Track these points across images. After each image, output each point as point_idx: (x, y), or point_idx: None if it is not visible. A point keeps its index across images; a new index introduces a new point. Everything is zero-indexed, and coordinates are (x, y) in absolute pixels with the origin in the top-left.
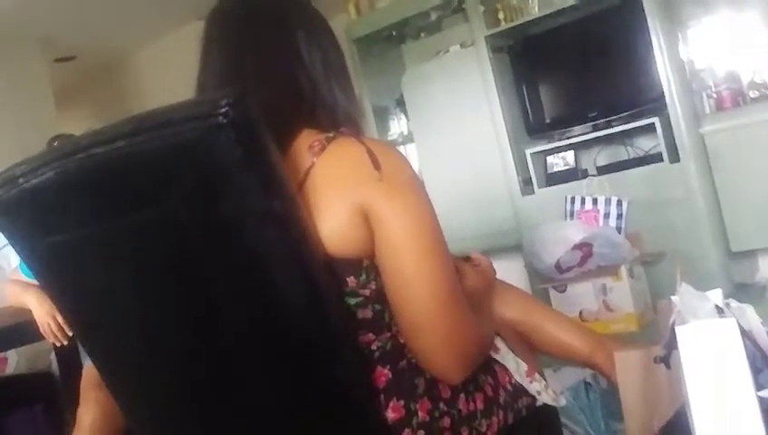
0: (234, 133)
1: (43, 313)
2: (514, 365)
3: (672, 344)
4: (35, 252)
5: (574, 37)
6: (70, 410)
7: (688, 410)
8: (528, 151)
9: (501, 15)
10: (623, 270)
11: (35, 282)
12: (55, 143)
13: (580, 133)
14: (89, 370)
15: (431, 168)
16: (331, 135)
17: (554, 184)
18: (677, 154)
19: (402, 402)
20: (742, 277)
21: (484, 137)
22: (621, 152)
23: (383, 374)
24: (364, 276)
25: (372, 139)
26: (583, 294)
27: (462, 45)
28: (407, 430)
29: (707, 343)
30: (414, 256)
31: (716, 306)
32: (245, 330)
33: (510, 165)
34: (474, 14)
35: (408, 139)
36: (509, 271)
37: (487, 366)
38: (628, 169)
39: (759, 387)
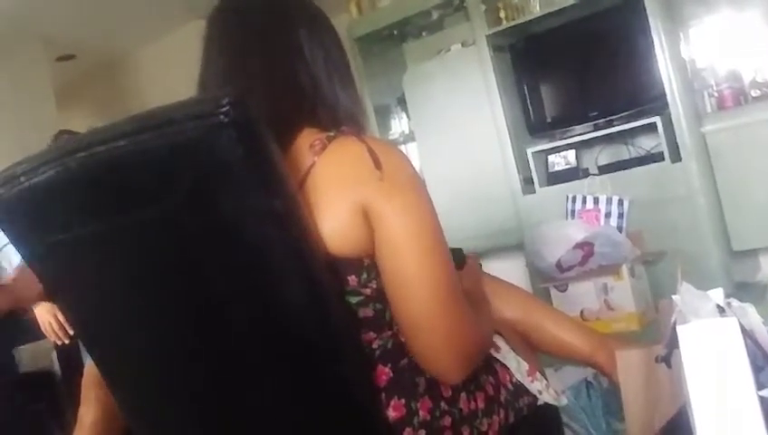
0: (235, 132)
1: (44, 311)
2: (515, 364)
3: (673, 344)
4: (36, 251)
5: (576, 36)
6: (71, 408)
7: (689, 410)
8: (529, 150)
9: (502, 14)
10: (624, 269)
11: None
12: (64, 137)
13: (582, 132)
14: (90, 368)
15: (432, 167)
16: (332, 134)
17: (555, 183)
18: (679, 153)
19: (403, 401)
20: (743, 277)
21: (485, 136)
22: (623, 151)
23: (384, 373)
24: (365, 275)
25: (373, 138)
26: (584, 294)
27: (463, 44)
28: (408, 429)
29: (708, 342)
30: (414, 256)
31: (718, 306)
32: (246, 329)
33: (511, 164)
34: (475, 12)
35: (410, 138)
36: (510, 270)
37: (488, 365)
38: (629, 168)
39: (760, 386)
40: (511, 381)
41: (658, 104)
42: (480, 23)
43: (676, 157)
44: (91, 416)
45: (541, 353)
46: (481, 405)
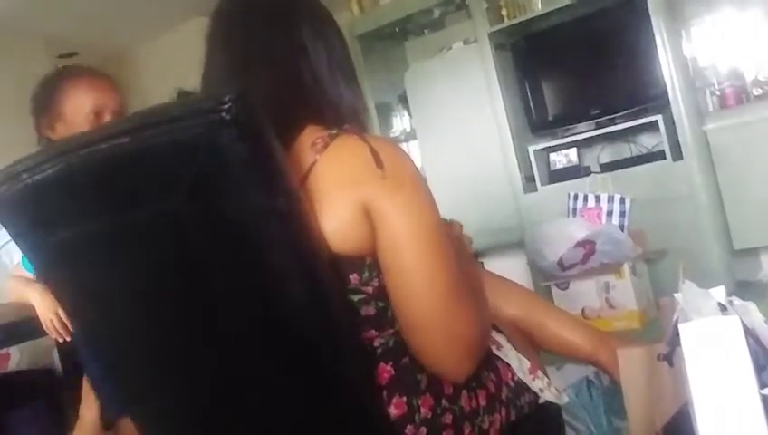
0: (236, 130)
1: (46, 308)
2: (517, 362)
3: (675, 342)
4: (38, 248)
5: (577, 34)
6: (72, 406)
7: (691, 408)
8: (531, 148)
9: (504, 12)
10: (626, 268)
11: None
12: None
13: (583, 130)
14: None
15: (434, 165)
16: (334, 132)
17: (557, 181)
18: (680, 152)
19: (405, 399)
20: (744, 275)
21: (486, 134)
22: (624, 150)
23: (386, 371)
24: (367, 274)
25: (375, 136)
26: (586, 292)
27: (465, 42)
28: (409, 427)
29: (711, 340)
30: (415, 254)
31: (719, 304)
32: (247, 327)
33: (513, 162)
34: (477, 10)
35: (411, 136)
36: (511, 268)
37: (490, 363)
38: (631, 166)
39: (762, 385)
40: (512, 379)
41: (660, 102)
42: (482, 20)
43: (677, 155)
44: (91, 413)
45: (542, 351)
46: (482, 403)
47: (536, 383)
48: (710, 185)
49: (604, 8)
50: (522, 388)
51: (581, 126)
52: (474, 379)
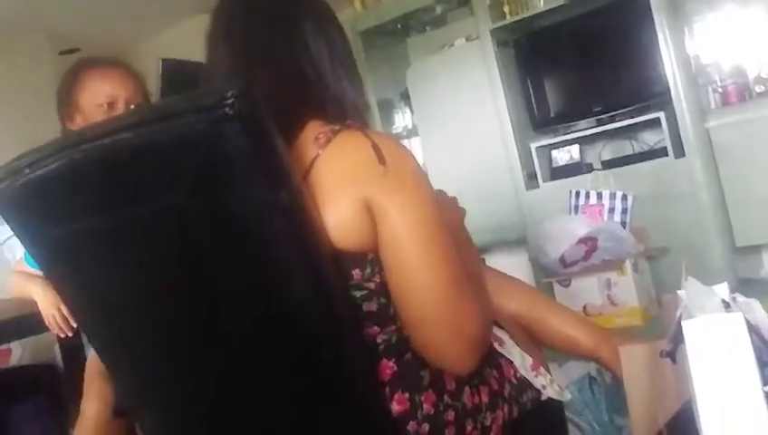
0: (239, 125)
1: (48, 304)
2: (519, 359)
3: (678, 339)
4: (41, 243)
5: (580, 31)
6: (73, 401)
7: (694, 405)
8: (533, 145)
9: (506, 9)
10: (628, 265)
11: (40, 273)
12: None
13: (585, 127)
14: (92, 362)
15: (435, 161)
16: (336, 128)
17: (559, 178)
18: (683, 149)
19: (407, 395)
20: (746, 273)
21: (488, 131)
22: (626, 147)
23: (388, 367)
24: (369, 270)
25: (378, 132)
26: (587, 289)
27: (467, 39)
28: (411, 423)
29: (714, 337)
30: (417, 250)
31: (723, 301)
32: (251, 322)
33: (514, 159)
34: (479, 7)
35: (413, 132)
36: (513, 265)
37: (492, 360)
38: (633, 163)
39: (765, 382)
40: (515, 376)
41: (662, 100)
42: (484, 17)
43: (679, 152)
44: (93, 409)
45: (544, 348)
46: (485, 399)
47: (539, 380)
48: (712, 182)
49: (606, 5)
50: (524, 384)
51: (583, 123)
52: (476, 375)
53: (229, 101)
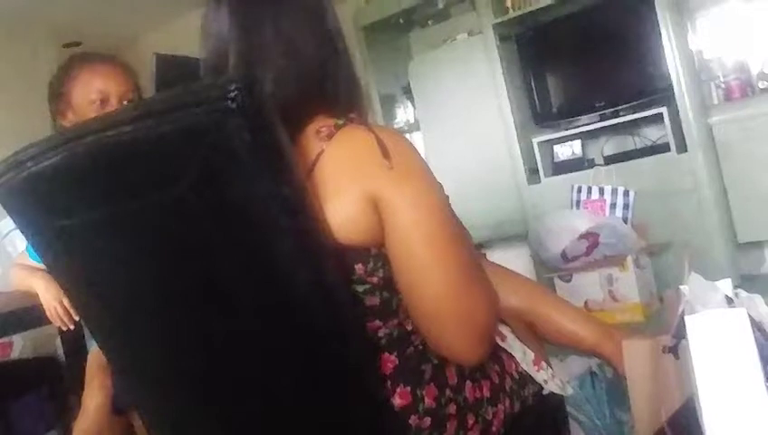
0: (242, 118)
1: (50, 297)
2: (521, 354)
3: (681, 334)
4: (43, 236)
5: (582, 26)
6: (75, 394)
7: (697, 401)
8: (535, 140)
9: (509, 3)
10: (629, 260)
11: (42, 266)
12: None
13: (588, 123)
14: (94, 354)
15: (437, 156)
16: (340, 122)
17: (561, 173)
18: (685, 144)
19: (409, 389)
20: (748, 269)
21: (490, 126)
22: (628, 142)
23: (390, 361)
24: (372, 264)
25: (381, 126)
26: (589, 284)
27: (469, 33)
28: (413, 417)
29: (717, 332)
30: (426, 243)
31: (726, 296)
32: (253, 315)
33: (516, 154)
34: (481, 2)
35: (415, 127)
36: (515, 260)
37: (494, 354)
38: (635, 158)
39: None
40: (516, 370)
41: (665, 95)
42: (486, 12)
43: (682, 148)
44: (94, 401)
45: (546, 343)
46: (486, 393)
47: (540, 375)
48: (714, 178)
49: (610, 0)
50: (526, 379)
51: (586, 118)
52: (478, 369)
53: (232, 95)
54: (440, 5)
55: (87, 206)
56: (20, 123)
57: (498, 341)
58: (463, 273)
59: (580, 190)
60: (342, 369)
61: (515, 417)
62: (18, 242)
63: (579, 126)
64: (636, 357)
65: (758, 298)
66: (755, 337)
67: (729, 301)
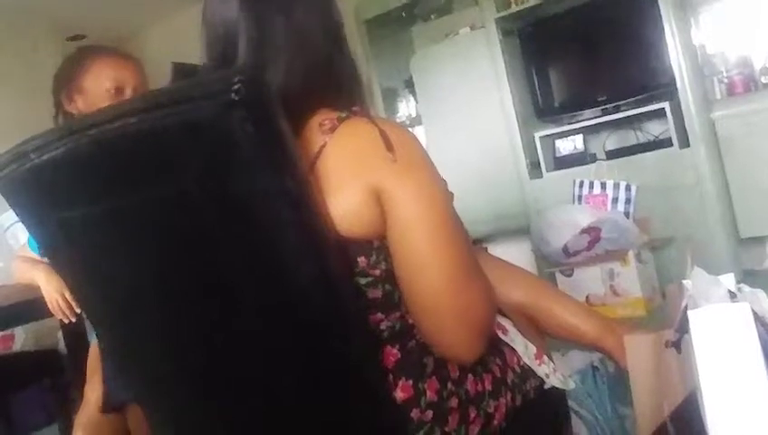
0: (245, 111)
1: (52, 289)
2: (523, 348)
3: (684, 328)
4: (45, 228)
5: (585, 21)
6: (76, 387)
7: (699, 396)
8: (537, 135)
9: None
10: (631, 255)
11: (44, 258)
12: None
13: (590, 117)
14: (96, 347)
15: (439, 150)
16: (343, 115)
17: (563, 168)
18: (687, 139)
19: (411, 382)
20: (751, 264)
21: (492, 120)
22: (630, 137)
23: (392, 354)
24: (374, 257)
25: (384, 119)
26: (590, 279)
27: (472, 28)
28: (415, 410)
29: (720, 327)
30: (427, 237)
31: (729, 291)
32: (255, 307)
33: (518, 148)
34: None
35: (417, 121)
36: (516, 255)
37: (496, 348)
38: (637, 153)
39: None
40: (518, 364)
41: (668, 90)
42: (489, 6)
43: (684, 143)
44: (96, 394)
45: (548, 337)
46: (488, 387)
47: (542, 369)
48: (717, 173)
49: None
50: (527, 373)
51: (588, 112)
52: (479, 363)
53: (236, 87)
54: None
55: (89, 198)
56: (22, 116)
57: (500, 334)
58: (462, 268)
59: (581, 185)
60: (344, 362)
61: (517, 411)
62: (20, 235)
63: (581, 120)
64: (638, 352)
65: (761, 293)
66: (758, 332)
67: (732, 296)
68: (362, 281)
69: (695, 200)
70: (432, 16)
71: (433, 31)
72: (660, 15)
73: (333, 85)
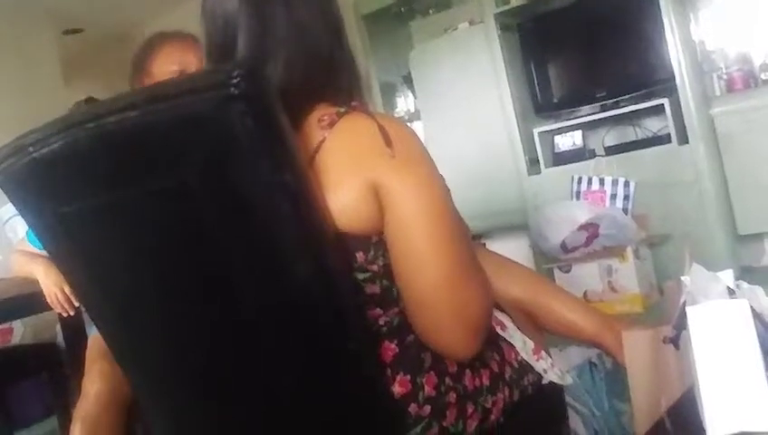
0: (245, 105)
1: (51, 283)
2: (521, 343)
3: (682, 325)
4: (45, 222)
5: (584, 16)
6: (75, 380)
7: (697, 391)
8: (535, 131)
9: None
10: (629, 251)
11: (43, 252)
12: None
13: (589, 113)
14: (94, 341)
15: (438, 146)
16: (342, 110)
17: (561, 164)
18: (686, 136)
19: (409, 377)
20: (748, 261)
21: (491, 116)
22: (629, 133)
23: (390, 349)
24: (373, 252)
25: (383, 114)
26: (588, 275)
27: (471, 23)
28: (413, 405)
29: (719, 323)
30: (425, 233)
31: (727, 288)
32: (254, 301)
33: (517, 144)
34: None
35: (415, 116)
36: (514, 250)
37: (494, 343)
38: (636, 149)
39: None
40: (516, 360)
41: (667, 86)
42: (488, 1)
43: (683, 139)
44: (94, 388)
45: (546, 333)
46: (486, 382)
47: (540, 364)
48: (715, 170)
49: None
50: (525, 368)
51: (587, 108)
52: (478, 358)
53: (235, 81)
54: None
55: (89, 192)
56: (20, 109)
57: (498, 330)
58: (460, 263)
59: (580, 181)
60: (343, 357)
61: (514, 406)
62: (19, 228)
63: (580, 116)
64: (636, 347)
65: (759, 290)
66: (757, 328)
67: (731, 292)
68: (361, 276)
69: (693, 197)
70: (431, 11)
71: (432, 26)
72: (660, 11)
73: (333, 80)
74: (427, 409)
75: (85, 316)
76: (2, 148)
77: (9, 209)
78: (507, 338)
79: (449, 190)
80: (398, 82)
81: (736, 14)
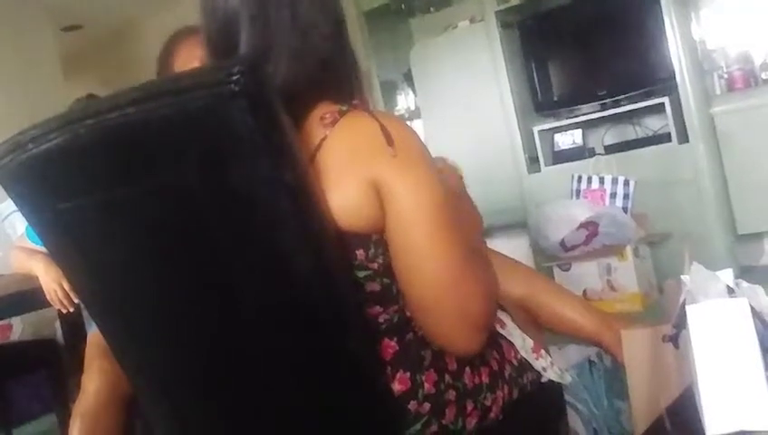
0: (245, 102)
1: (50, 279)
2: (521, 341)
3: (681, 323)
4: (44, 218)
5: (585, 15)
6: (74, 377)
7: (696, 390)
8: (535, 129)
9: None
10: (628, 250)
11: (42, 248)
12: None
13: (589, 112)
14: (93, 337)
15: (438, 143)
16: (344, 108)
17: (561, 162)
18: (686, 135)
19: (408, 374)
20: (748, 260)
21: (491, 113)
22: (629, 132)
23: (390, 346)
24: (373, 250)
25: (384, 113)
26: (587, 274)
27: (471, 20)
28: (412, 402)
29: (718, 322)
30: (426, 232)
31: (727, 286)
32: (254, 299)
33: (517, 142)
34: None
35: (415, 114)
36: (514, 249)
37: (494, 341)
38: (636, 148)
39: None
40: (515, 358)
41: (667, 85)
42: None
43: (683, 138)
44: (94, 384)
45: (545, 331)
46: (485, 380)
47: (539, 362)
48: (715, 168)
49: None
50: (525, 366)
51: (587, 107)
52: (477, 356)
53: (235, 78)
54: None
55: (88, 188)
56: (20, 106)
57: (498, 328)
58: (460, 261)
59: (580, 179)
60: (343, 354)
61: (514, 404)
62: (18, 224)
63: (580, 115)
64: (635, 346)
65: (759, 289)
66: (756, 327)
67: (730, 291)
68: (360, 274)
69: (693, 196)
70: (431, 9)
71: (432, 23)
72: (660, 10)
73: (334, 78)
74: (427, 406)
75: (85, 313)
76: (1, 144)
77: (8, 205)
78: (507, 336)
79: (449, 190)
80: (398, 80)
81: (737, 12)
